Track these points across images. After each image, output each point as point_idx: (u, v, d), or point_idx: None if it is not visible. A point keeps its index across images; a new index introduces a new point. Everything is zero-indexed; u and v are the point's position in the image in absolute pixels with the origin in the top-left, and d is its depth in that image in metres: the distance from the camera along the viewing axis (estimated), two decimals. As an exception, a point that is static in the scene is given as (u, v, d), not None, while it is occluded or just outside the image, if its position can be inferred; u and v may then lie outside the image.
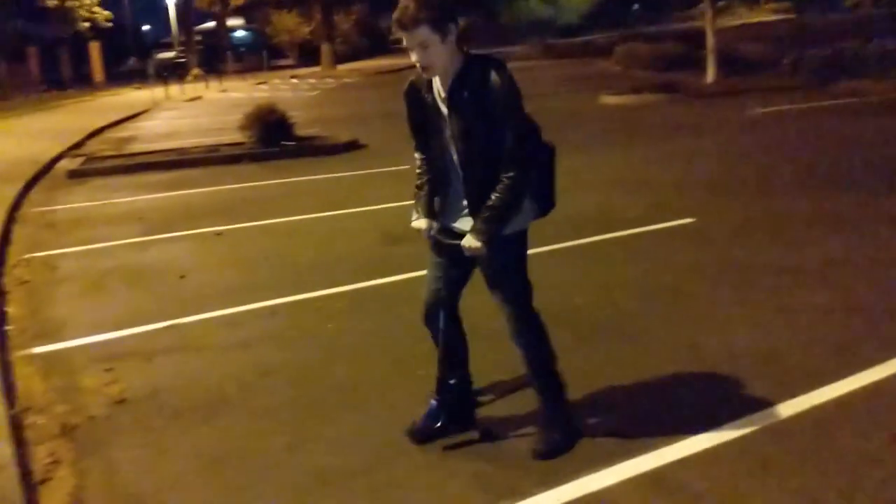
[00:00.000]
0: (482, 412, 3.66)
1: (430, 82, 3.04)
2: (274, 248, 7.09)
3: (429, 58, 2.89)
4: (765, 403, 3.59)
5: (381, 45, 51.33)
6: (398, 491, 3.11)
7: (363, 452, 3.41)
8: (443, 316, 3.40)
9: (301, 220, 8.12)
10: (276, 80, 34.66)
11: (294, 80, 35.06)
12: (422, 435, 3.40)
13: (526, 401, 3.59)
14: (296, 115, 13.70)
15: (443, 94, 3.01)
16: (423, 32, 2.84)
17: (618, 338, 4.55)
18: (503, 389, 3.89)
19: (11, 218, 8.64)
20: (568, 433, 3.34)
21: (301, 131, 13.58)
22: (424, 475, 3.21)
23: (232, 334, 4.98)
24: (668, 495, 2.95)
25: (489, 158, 2.95)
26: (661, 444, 3.29)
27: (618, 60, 27.19)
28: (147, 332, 5.08)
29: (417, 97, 3.11)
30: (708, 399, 3.73)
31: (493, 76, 2.88)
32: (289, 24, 47.85)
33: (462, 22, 3.02)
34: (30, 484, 3.17)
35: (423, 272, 5.81)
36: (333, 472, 3.26)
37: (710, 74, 19.37)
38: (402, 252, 6.61)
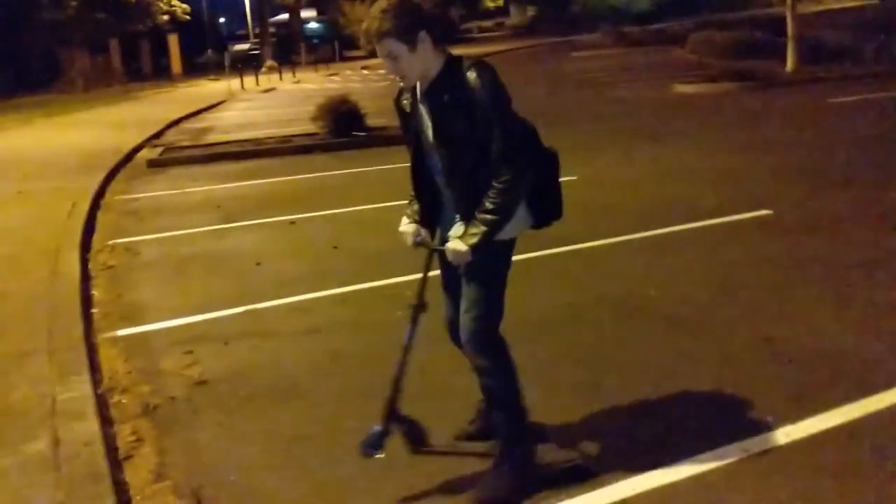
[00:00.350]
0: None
1: (415, 89, 2.93)
2: (344, 236, 7.19)
3: (399, 69, 2.80)
4: (842, 401, 3.50)
5: (451, 35, 51.29)
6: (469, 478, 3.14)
7: (435, 439, 3.44)
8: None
9: (371, 209, 8.21)
10: (348, 71, 35.08)
11: (365, 71, 35.40)
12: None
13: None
14: (366, 106, 13.83)
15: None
16: (390, 44, 2.74)
17: (692, 331, 4.48)
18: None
19: (96, 205, 8.98)
20: (518, 481, 2.97)
21: (371, 122, 13.70)
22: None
23: (304, 320, 5.09)
24: (788, 477, 2.91)
25: (474, 164, 2.79)
26: (743, 436, 3.25)
27: (693, 48, 26.61)
28: (224, 317, 5.23)
29: (403, 104, 3.01)
30: (781, 395, 3.65)
31: (473, 78, 2.73)
32: (360, 15, 48.15)
33: (434, 23, 2.81)
34: (115, 460, 3.31)
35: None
36: (405, 458, 3.31)
37: (790, 63, 18.78)
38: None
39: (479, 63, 2.78)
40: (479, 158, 2.77)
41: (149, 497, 3.11)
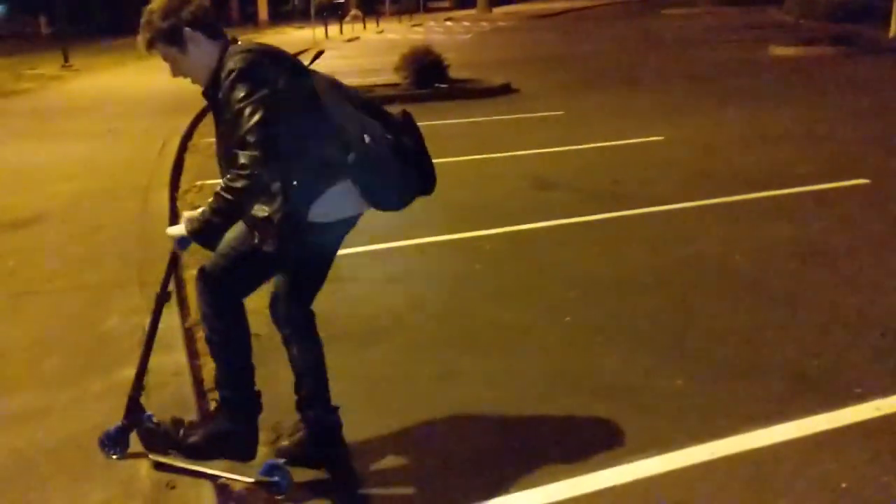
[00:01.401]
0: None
1: None
2: (425, 187, 7.19)
3: (179, 70, 2.67)
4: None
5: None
6: (548, 426, 3.14)
7: (514, 389, 3.45)
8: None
9: (452, 161, 8.18)
10: (431, 23, 34.81)
11: (448, 23, 35.10)
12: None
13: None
14: (449, 58, 13.72)
15: None
16: (161, 49, 2.63)
17: (779, 299, 4.35)
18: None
19: (184, 146, 9.21)
20: (210, 440, 2.84)
21: (454, 74, 13.60)
22: (568, 417, 3.22)
23: (384, 268, 5.14)
24: (873, 452, 2.83)
25: (229, 161, 2.51)
26: (821, 410, 3.15)
27: (790, 9, 25.37)
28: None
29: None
30: (871, 368, 3.52)
31: (225, 69, 2.52)
32: (447, -35, 47.69)
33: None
34: (201, 391, 3.42)
35: (575, 219, 5.85)
36: (484, 404, 3.33)
37: (894, 28, 17.79)
38: (554, 197, 6.57)
39: (236, 53, 2.56)
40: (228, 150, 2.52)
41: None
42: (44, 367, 3.59)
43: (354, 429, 3.13)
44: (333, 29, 29.44)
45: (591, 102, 11.93)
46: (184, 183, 7.59)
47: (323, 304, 4.56)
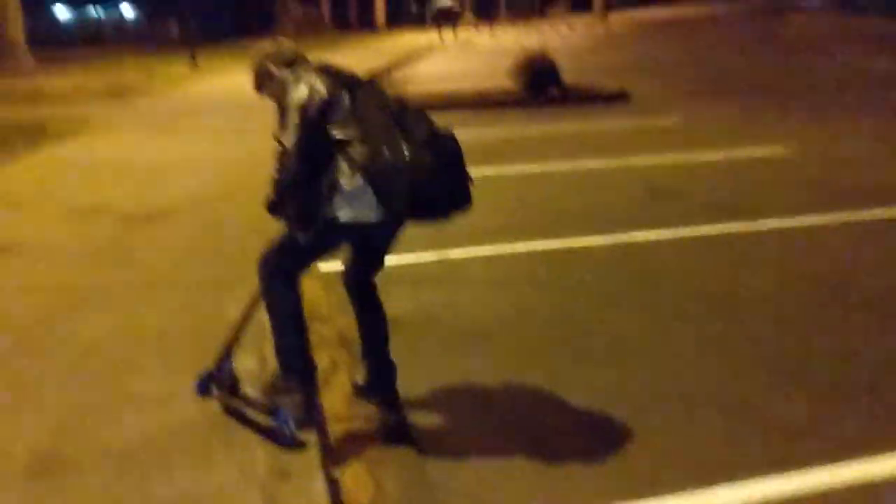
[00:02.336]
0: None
1: None
2: (536, 193, 7.18)
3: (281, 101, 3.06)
4: None
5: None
6: (658, 439, 3.09)
7: (623, 400, 3.41)
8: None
9: (564, 167, 8.14)
10: (546, 28, 34.66)
11: (564, 28, 34.86)
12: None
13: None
14: (563, 64, 13.64)
15: None
16: (264, 92, 3.22)
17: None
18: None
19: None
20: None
21: (568, 79, 13.51)
22: (679, 432, 3.16)
23: (493, 272, 5.16)
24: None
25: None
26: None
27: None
28: (417, 262, 5.40)
29: None
30: None
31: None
32: (564, -29, 47.40)
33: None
34: (313, 381, 3.52)
35: (692, 231, 5.72)
36: (592, 414, 3.31)
37: None
38: (668, 207, 6.44)
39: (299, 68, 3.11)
40: None
41: (342, 420, 3.31)
42: (171, 353, 3.80)
43: (459, 428, 3.17)
44: (448, 34, 29.75)
45: (709, 110, 11.62)
46: (301, 182, 7.84)
47: (430, 304, 4.66)
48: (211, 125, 11.09)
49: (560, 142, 9.67)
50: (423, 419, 3.35)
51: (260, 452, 2.92)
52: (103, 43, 35.43)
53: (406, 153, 2.87)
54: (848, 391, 3.44)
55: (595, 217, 6.32)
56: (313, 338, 4.09)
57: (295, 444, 3.01)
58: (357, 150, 2.89)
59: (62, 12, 42.75)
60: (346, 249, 3.35)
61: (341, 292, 4.78)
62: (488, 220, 6.35)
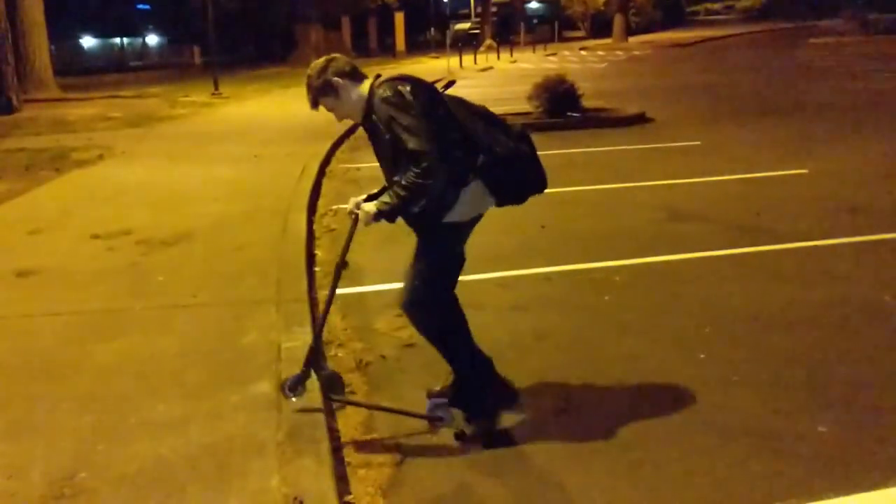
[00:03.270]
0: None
1: None
2: (553, 215, 7.13)
3: (341, 114, 3.32)
4: None
5: (676, 16, 49.42)
6: (678, 467, 3.03)
7: (642, 426, 3.36)
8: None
9: (582, 190, 8.11)
10: (566, 52, 34.83)
11: (583, 52, 35.00)
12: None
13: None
14: (583, 87, 13.64)
15: None
16: (323, 103, 3.29)
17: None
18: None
19: (322, 172, 9.56)
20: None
21: (587, 103, 13.51)
22: (700, 459, 3.09)
23: (510, 296, 5.12)
24: None
25: (396, 167, 3.13)
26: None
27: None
28: (433, 286, 5.38)
29: None
30: None
31: (376, 102, 3.14)
32: (582, -4, 47.72)
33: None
34: (331, 409, 3.50)
35: (713, 253, 5.66)
36: (609, 441, 3.25)
37: None
38: (689, 230, 6.39)
39: (383, 83, 3.18)
40: (398, 162, 3.11)
41: (359, 446, 3.28)
42: (187, 377, 3.79)
43: (472, 454, 3.13)
44: (468, 59, 29.92)
45: (729, 133, 11.56)
46: (321, 207, 7.87)
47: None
48: (232, 151, 11.18)
49: (579, 164, 9.65)
50: (440, 445, 3.32)
51: (275, 481, 2.90)
52: (127, 71, 35.98)
53: (511, 145, 3.21)
54: (872, 417, 3.36)
55: (615, 240, 6.28)
56: (330, 363, 4.11)
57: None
58: (467, 148, 3.15)
59: (88, 41, 43.50)
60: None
61: (358, 316, 4.81)
62: (506, 243, 6.33)
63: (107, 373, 3.89)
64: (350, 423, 3.48)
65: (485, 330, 4.52)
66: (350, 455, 3.24)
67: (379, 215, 3.17)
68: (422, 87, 3.16)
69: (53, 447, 3.19)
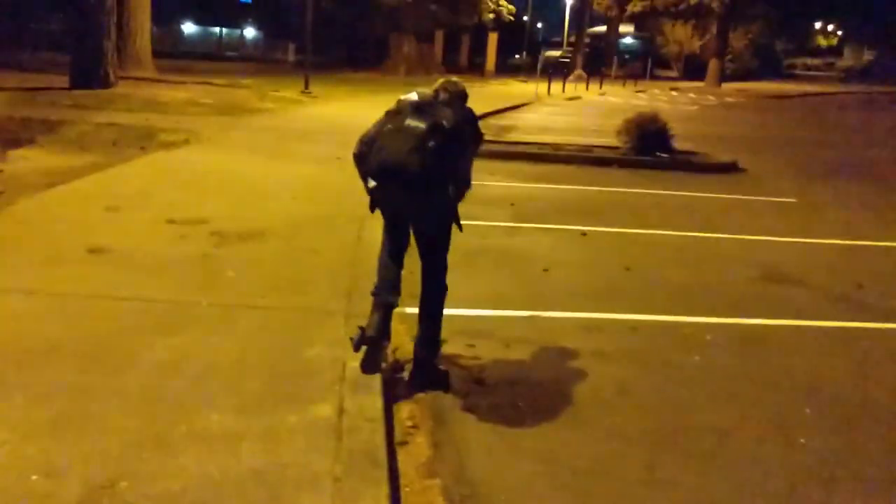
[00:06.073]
0: None
1: None
2: (638, 259, 6.78)
3: None
4: None
5: (773, 67, 48.30)
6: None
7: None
8: None
9: (669, 235, 7.72)
10: (656, 91, 34.23)
11: (674, 93, 34.37)
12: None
13: None
14: (673, 128, 13.21)
15: None
16: (441, 115, 3.64)
17: None
18: None
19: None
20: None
21: (676, 145, 13.08)
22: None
23: (591, 341, 4.78)
24: None
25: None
26: None
27: None
28: (508, 318, 5.09)
29: None
30: None
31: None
32: (680, 36, 47.07)
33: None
34: (391, 444, 3.23)
35: (813, 323, 5.24)
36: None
37: None
38: (788, 294, 5.96)
39: None
40: None
41: (418, 492, 3.01)
42: (245, 387, 3.55)
43: None
44: (556, 86, 29.60)
45: (826, 193, 10.99)
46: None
47: (521, 368, 4.34)
48: (316, 150, 11.10)
49: (667, 207, 9.24)
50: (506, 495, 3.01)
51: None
52: (222, 60, 36.73)
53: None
54: None
55: (705, 294, 5.88)
56: (395, 388, 3.86)
57: None
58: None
59: (188, 27, 44.63)
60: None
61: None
62: (587, 282, 6.01)
63: (163, 371, 3.67)
64: (411, 462, 3.21)
65: (564, 377, 4.23)
66: (408, 492, 2.97)
67: None
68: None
69: (97, 448, 2.96)
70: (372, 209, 3.80)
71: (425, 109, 3.61)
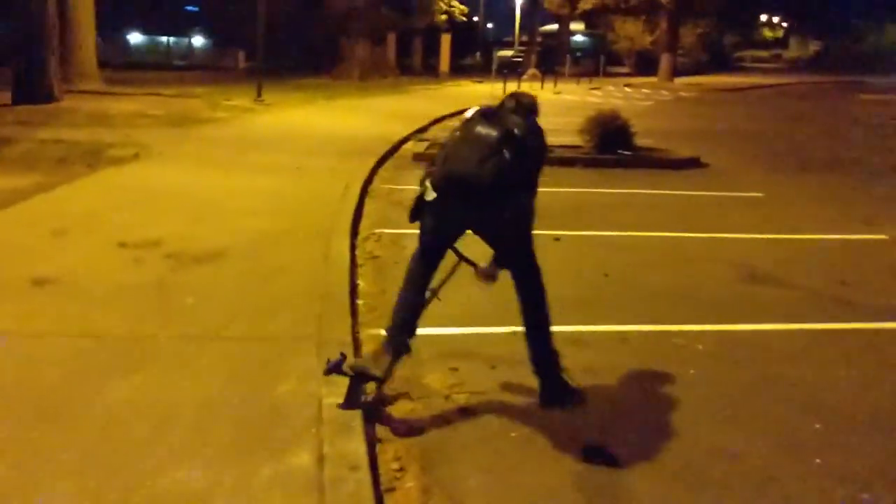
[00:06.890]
0: None
1: None
2: (616, 264, 6.54)
3: None
4: None
5: (722, 61, 48.88)
6: None
7: None
8: None
9: (642, 236, 7.52)
10: (610, 87, 34.28)
11: (627, 89, 34.44)
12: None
13: None
14: (633, 124, 13.06)
15: None
16: (510, 123, 3.51)
17: None
18: None
19: (365, 191, 9.03)
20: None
21: (639, 141, 12.95)
22: None
23: (578, 356, 4.49)
24: None
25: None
26: None
27: None
28: (489, 335, 4.82)
29: None
30: None
31: None
32: (631, 32, 47.31)
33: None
34: (378, 494, 2.92)
35: (802, 325, 5.05)
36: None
37: None
38: (770, 295, 5.78)
39: None
40: None
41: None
42: (212, 434, 3.20)
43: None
44: (511, 86, 29.44)
45: (791, 186, 10.92)
46: (363, 230, 7.33)
47: (510, 391, 4.05)
48: (273, 160, 10.69)
49: (636, 207, 9.06)
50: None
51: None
52: (171, 69, 35.92)
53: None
54: None
55: (690, 299, 5.67)
56: (378, 427, 3.55)
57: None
58: None
59: (135, 37, 43.60)
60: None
61: (405, 367, 4.21)
62: (566, 292, 5.72)
63: (118, 421, 3.29)
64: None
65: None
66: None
67: None
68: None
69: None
70: (412, 219, 3.70)
71: (495, 118, 3.45)
